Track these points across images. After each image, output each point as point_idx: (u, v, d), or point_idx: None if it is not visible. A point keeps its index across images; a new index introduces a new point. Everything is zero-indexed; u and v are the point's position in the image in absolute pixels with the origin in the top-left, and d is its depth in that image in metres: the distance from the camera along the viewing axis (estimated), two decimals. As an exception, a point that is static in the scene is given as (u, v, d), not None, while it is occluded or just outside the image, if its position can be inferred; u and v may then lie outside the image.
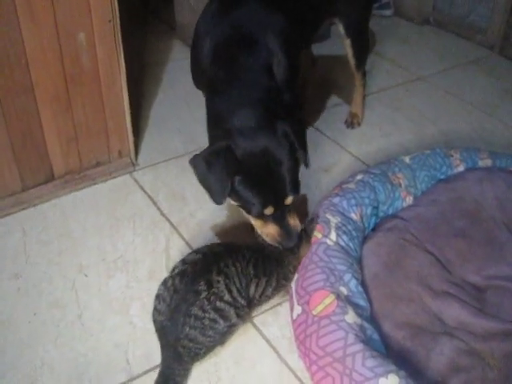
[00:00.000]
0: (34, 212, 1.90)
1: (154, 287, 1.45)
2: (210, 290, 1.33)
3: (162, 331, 1.36)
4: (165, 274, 1.47)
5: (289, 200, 1.47)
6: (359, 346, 1.26)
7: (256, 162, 1.42)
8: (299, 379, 1.41)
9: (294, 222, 1.51)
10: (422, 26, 3.44)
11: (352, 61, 2.27)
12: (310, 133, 2.31)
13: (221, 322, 1.34)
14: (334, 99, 2.60)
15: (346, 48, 2.22)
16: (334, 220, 1.56)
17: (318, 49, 2.67)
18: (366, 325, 1.34)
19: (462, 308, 1.48)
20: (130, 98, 1.98)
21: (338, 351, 1.27)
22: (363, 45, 2.29)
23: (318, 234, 1.52)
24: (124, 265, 1.72)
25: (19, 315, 1.56)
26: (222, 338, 1.38)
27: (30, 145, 1.85)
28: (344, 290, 1.40)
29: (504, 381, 1.36)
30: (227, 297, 1.35)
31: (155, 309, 1.38)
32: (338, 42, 2.38)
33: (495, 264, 1.61)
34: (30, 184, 1.91)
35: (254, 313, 1.54)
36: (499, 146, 2.27)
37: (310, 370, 1.32)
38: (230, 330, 1.38)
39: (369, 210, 1.68)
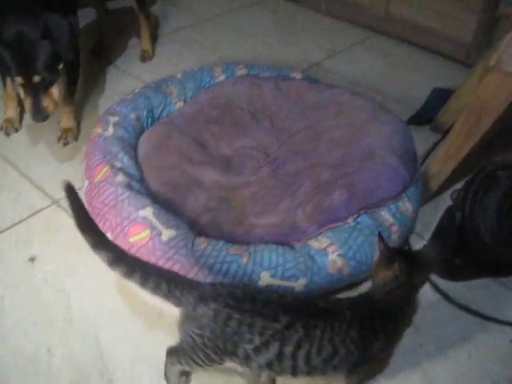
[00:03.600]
0: None
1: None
2: None
3: None
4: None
5: (35, 78, 1.90)
6: (126, 195, 1.73)
7: (11, 43, 1.85)
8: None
9: (47, 103, 1.96)
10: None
11: (134, 4, 2.75)
12: (109, 69, 2.78)
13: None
14: (132, 41, 3.05)
15: None
16: (112, 119, 2.04)
17: (120, 3, 3.19)
18: (134, 183, 1.82)
19: (213, 170, 2.00)
20: None
21: (111, 201, 1.73)
22: None
23: (98, 130, 1.99)
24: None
25: None
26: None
27: None
28: (118, 164, 1.87)
29: (243, 215, 1.87)
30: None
31: None
32: None
33: (240, 139, 2.15)
34: None
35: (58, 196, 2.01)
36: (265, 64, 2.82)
37: (96, 222, 1.77)
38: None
39: (144, 113, 2.16)
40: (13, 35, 1.85)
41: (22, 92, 1.96)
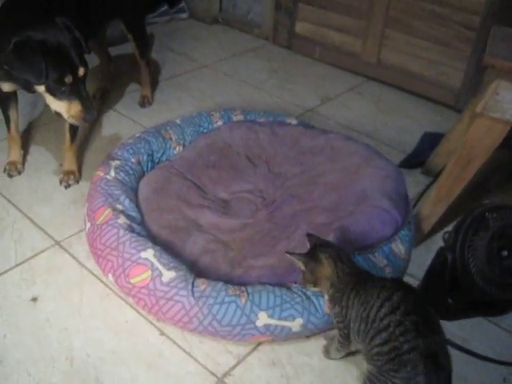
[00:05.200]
0: None
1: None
2: None
3: None
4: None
5: (81, 71, 1.98)
6: (127, 236, 1.79)
7: (52, 46, 1.92)
8: (94, 275, 1.93)
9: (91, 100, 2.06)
10: (212, 25, 4.07)
11: (136, 51, 2.84)
12: (109, 114, 2.86)
13: None
14: (132, 87, 3.14)
15: (130, 42, 2.79)
16: (113, 163, 2.10)
17: (120, 50, 3.30)
18: (135, 226, 1.88)
19: (212, 213, 2.06)
20: None
21: (113, 243, 1.78)
22: (142, 37, 2.86)
23: (100, 173, 2.05)
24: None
25: None
26: None
27: None
28: (119, 206, 1.93)
29: (241, 257, 1.92)
30: None
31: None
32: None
33: (237, 183, 2.21)
34: None
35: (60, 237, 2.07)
36: (261, 110, 2.90)
37: (98, 263, 1.84)
38: None
39: (144, 157, 2.23)
40: (48, 41, 1.91)
41: (65, 99, 1.99)
